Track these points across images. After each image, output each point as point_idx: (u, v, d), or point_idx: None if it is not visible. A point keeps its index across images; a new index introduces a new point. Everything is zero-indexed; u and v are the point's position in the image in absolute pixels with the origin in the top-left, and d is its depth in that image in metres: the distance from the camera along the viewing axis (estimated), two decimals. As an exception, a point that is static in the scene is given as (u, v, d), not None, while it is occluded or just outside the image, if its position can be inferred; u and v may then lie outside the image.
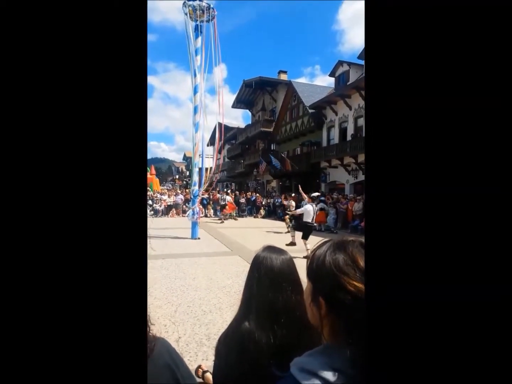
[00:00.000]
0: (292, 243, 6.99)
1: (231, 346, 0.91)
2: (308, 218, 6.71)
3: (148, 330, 0.61)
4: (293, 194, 12.05)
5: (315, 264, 0.56)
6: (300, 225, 6.86)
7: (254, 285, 0.90)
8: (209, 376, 1.69)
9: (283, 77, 23.42)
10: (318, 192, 7.12)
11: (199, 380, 1.71)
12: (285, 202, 10.12)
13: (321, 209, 11.55)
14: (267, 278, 0.88)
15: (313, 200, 7.09)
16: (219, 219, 13.93)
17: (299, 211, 6.94)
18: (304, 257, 6.38)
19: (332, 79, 18.82)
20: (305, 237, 6.64)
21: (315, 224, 7.05)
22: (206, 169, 9.21)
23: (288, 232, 10.10)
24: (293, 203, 10.16)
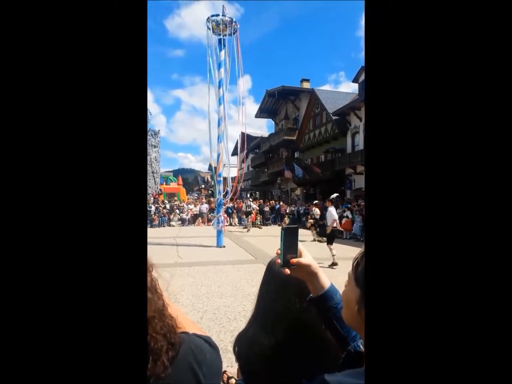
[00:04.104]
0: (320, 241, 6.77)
1: (241, 346, 0.94)
2: (332, 223, 6.57)
3: (175, 330, 0.60)
4: (315, 202, 11.90)
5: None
6: (324, 231, 6.73)
7: (263, 288, 0.92)
8: (233, 382, 1.71)
9: (306, 85, 23.43)
10: (338, 194, 6.97)
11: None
12: (311, 213, 9.99)
13: (346, 216, 11.30)
14: (273, 283, 0.89)
15: (332, 202, 6.93)
16: (244, 228, 13.97)
17: (329, 222, 6.66)
18: (330, 266, 6.24)
19: (357, 85, 18.59)
20: (330, 242, 6.51)
21: (337, 228, 6.86)
22: (231, 178, 9.35)
23: (315, 240, 9.94)
24: (318, 211, 10.02)
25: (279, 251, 0.73)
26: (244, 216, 14.97)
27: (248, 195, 19.95)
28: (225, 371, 1.92)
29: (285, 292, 0.86)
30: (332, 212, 6.59)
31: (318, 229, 9.75)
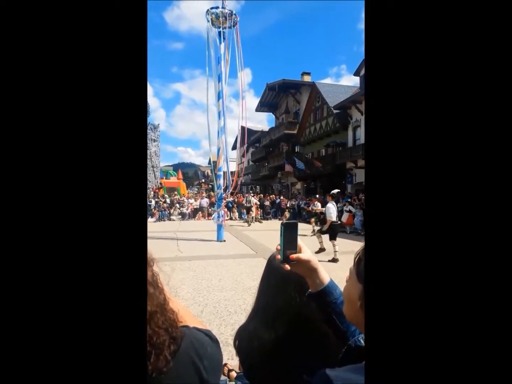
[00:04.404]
0: (321, 249, 6.68)
1: (241, 340, 0.94)
2: (331, 218, 6.52)
3: (176, 324, 0.60)
4: (317, 196, 11.87)
5: None
6: (328, 227, 6.71)
7: (263, 283, 0.92)
8: (234, 374, 1.72)
9: (307, 78, 23.24)
10: (339, 190, 7.00)
11: (224, 378, 1.74)
12: (310, 208, 9.91)
13: (349, 211, 11.28)
14: (273, 277, 0.88)
15: (333, 197, 6.91)
16: (245, 222, 14.00)
17: (328, 218, 6.63)
18: (330, 260, 6.27)
19: (358, 78, 18.45)
20: (333, 237, 6.47)
21: (339, 222, 6.86)
22: (231, 172, 9.34)
23: (314, 235, 9.98)
24: (319, 206, 10.02)
25: (278, 247, 0.73)
26: (245, 211, 15.00)
27: (251, 191, 19.72)
28: (225, 364, 1.93)
29: (285, 286, 0.86)
30: (331, 208, 6.55)
31: (319, 223, 9.75)
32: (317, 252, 6.52)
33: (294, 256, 0.72)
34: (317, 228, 9.77)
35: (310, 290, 0.76)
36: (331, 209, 6.51)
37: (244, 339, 0.93)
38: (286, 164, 20.98)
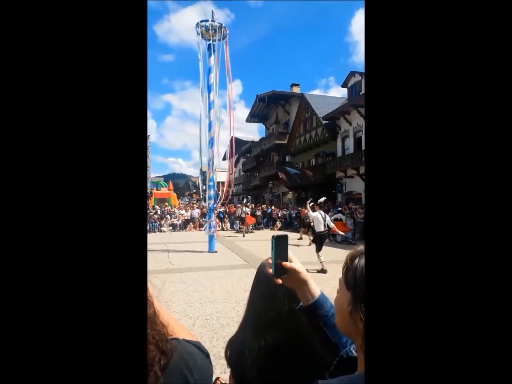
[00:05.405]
0: (323, 271, 6.25)
1: (232, 350, 0.93)
2: (319, 227, 6.51)
3: (166, 338, 0.59)
4: (311, 204, 11.94)
5: (357, 272, 0.54)
6: (315, 237, 6.69)
7: (253, 291, 0.92)
8: (227, 388, 1.69)
9: (296, 90, 23.64)
10: (328, 199, 7.06)
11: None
12: (306, 216, 9.99)
13: (336, 219, 11.34)
14: (263, 285, 0.88)
15: (320, 206, 6.91)
16: (236, 232, 13.89)
17: (316, 226, 6.59)
18: (319, 271, 6.22)
19: (346, 90, 18.87)
20: (319, 249, 6.42)
21: (327, 231, 6.77)
22: (222, 183, 9.35)
23: (305, 242, 9.95)
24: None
25: (270, 261, 0.73)
26: (239, 221, 14.91)
27: (248, 202, 19.47)
28: (218, 378, 1.89)
29: (275, 294, 0.85)
30: (318, 217, 6.53)
31: (311, 231, 9.80)
32: (319, 272, 6.26)
33: (287, 264, 0.72)
34: (307, 236, 9.76)
35: (301, 304, 0.76)
36: (319, 219, 6.51)
37: (235, 349, 0.92)
38: (279, 172, 21.09)
